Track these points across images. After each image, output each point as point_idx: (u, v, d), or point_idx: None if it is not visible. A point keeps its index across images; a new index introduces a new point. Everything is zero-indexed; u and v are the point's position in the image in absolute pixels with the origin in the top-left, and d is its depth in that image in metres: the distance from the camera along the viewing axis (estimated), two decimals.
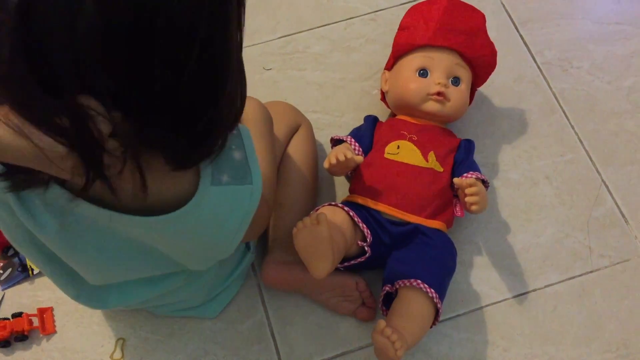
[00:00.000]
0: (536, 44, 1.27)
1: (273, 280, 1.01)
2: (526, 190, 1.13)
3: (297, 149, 1.03)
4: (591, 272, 1.07)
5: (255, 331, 1.01)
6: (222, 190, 0.65)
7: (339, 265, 0.95)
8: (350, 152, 0.98)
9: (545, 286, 1.06)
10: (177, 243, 0.71)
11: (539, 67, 1.25)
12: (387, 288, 0.94)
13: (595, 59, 1.26)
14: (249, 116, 0.85)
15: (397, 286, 0.93)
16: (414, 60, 1.06)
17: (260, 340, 1.01)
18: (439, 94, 1.03)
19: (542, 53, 1.26)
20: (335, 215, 0.94)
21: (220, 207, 0.67)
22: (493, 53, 1.10)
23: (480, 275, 1.06)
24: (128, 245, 0.72)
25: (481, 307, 1.04)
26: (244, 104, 0.61)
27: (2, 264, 1.05)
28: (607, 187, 1.14)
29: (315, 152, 1.09)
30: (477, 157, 1.09)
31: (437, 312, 0.92)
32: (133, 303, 0.92)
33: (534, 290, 1.05)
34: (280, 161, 1.02)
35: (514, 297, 1.05)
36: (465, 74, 1.07)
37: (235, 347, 1.00)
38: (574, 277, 1.06)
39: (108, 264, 0.77)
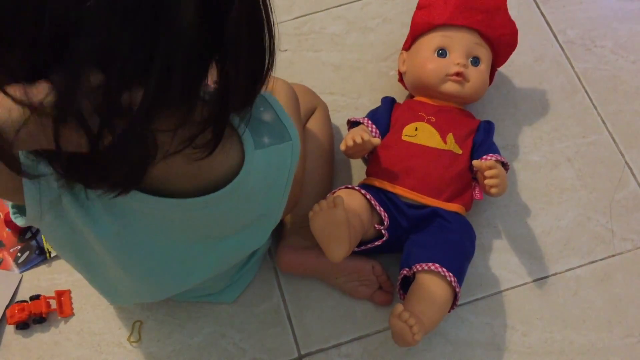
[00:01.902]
0: (558, 23, 1.24)
1: (289, 265, 1.00)
2: (547, 173, 1.11)
3: (313, 132, 1.02)
4: (613, 255, 1.05)
5: (272, 315, 1.01)
6: (266, 152, 0.66)
7: (355, 249, 0.94)
8: (367, 134, 0.96)
9: (566, 270, 1.04)
10: (235, 217, 0.72)
11: (561, 47, 1.22)
12: (404, 272, 0.93)
13: (620, 38, 1.23)
14: (277, 95, 0.85)
15: (415, 270, 0.92)
16: (432, 40, 1.04)
17: (277, 324, 1.01)
18: (457, 74, 1.01)
19: (565, 32, 1.23)
20: (352, 198, 0.93)
21: (268, 169, 0.68)
22: (513, 32, 1.07)
23: (499, 259, 1.04)
24: (185, 240, 0.73)
25: (500, 291, 1.02)
26: (274, 57, 0.61)
27: (19, 247, 1.06)
28: (630, 169, 1.11)
29: (332, 134, 1.08)
30: (497, 139, 1.07)
31: (455, 296, 0.91)
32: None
33: (555, 274, 1.04)
34: None
35: (534, 281, 1.03)
36: (485, 54, 1.04)
37: (251, 331, 1.00)
38: (595, 261, 1.05)
39: (165, 266, 0.77)
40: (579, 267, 1.04)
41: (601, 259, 1.05)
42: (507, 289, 1.03)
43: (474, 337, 0.99)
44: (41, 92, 0.45)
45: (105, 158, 0.51)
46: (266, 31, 0.56)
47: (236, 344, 0.99)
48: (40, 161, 0.54)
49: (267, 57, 0.57)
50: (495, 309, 1.01)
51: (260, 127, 0.67)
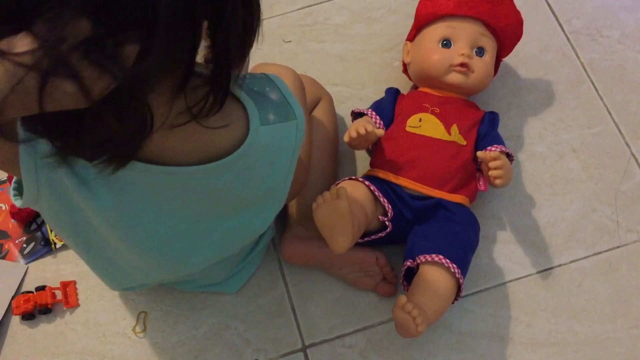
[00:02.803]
0: (564, 13, 1.23)
1: (293, 256, 1.01)
2: (552, 164, 1.11)
3: (317, 122, 1.02)
4: (618, 247, 1.05)
5: (276, 305, 1.01)
6: (271, 129, 0.67)
7: (359, 240, 0.94)
8: (371, 125, 0.96)
9: (571, 261, 1.04)
10: (236, 191, 0.72)
11: (566, 37, 1.21)
12: (408, 263, 0.93)
13: (626, 28, 1.22)
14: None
15: (419, 261, 0.91)
16: (437, 31, 1.03)
17: (281, 315, 1.01)
18: (462, 65, 1.00)
19: (570, 22, 1.22)
20: (355, 190, 0.93)
21: (272, 145, 0.68)
22: (519, 22, 1.06)
23: (503, 251, 1.04)
24: (188, 217, 0.73)
25: (504, 283, 1.02)
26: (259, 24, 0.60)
27: (25, 238, 1.07)
28: (636, 160, 1.11)
29: (336, 125, 1.07)
30: (502, 130, 1.07)
31: (459, 288, 0.91)
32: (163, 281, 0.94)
33: (559, 265, 1.03)
34: None
35: (538, 272, 1.03)
36: (489, 44, 1.04)
37: (255, 321, 1.00)
38: (600, 253, 1.04)
39: (167, 243, 0.77)
40: (583, 258, 1.04)
41: (606, 250, 1.04)
42: (511, 280, 1.02)
43: (478, 328, 0.99)
44: (24, 44, 0.42)
45: (101, 126, 0.50)
46: None
47: (240, 335, 1.00)
48: (39, 138, 0.54)
49: (255, 7, 0.56)
50: (500, 301, 1.01)
51: (266, 104, 0.68)
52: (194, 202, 0.71)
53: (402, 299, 0.85)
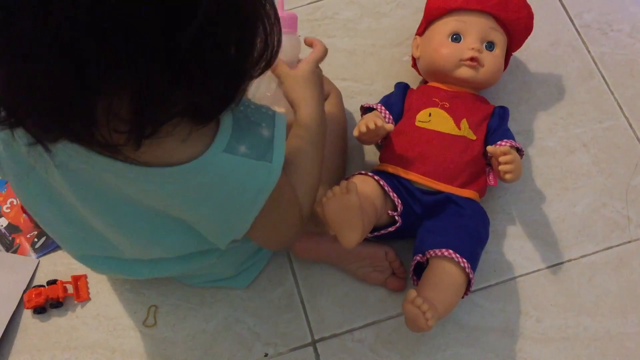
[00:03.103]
0: (574, 6, 1.22)
1: (302, 251, 1.01)
2: (562, 159, 1.10)
3: (326, 118, 1.02)
4: (629, 242, 1.04)
5: (285, 300, 1.02)
6: (235, 159, 0.64)
7: (369, 235, 0.94)
8: (381, 120, 0.96)
9: (581, 256, 1.03)
10: (187, 205, 0.69)
11: (577, 31, 1.20)
12: (418, 258, 0.93)
13: (637, 22, 1.21)
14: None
15: (428, 256, 0.91)
16: (447, 25, 1.03)
17: (290, 309, 1.01)
18: (472, 59, 1.00)
19: (581, 15, 1.22)
20: (365, 185, 0.93)
21: (232, 176, 0.65)
22: (529, 16, 1.06)
23: (513, 245, 1.04)
24: (138, 204, 0.71)
25: (514, 278, 1.02)
26: (273, 53, 0.59)
27: (36, 233, 1.07)
28: None
29: (345, 120, 1.07)
30: (511, 124, 1.06)
31: (469, 282, 0.91)
32: (166, 275, 0.94)
33: (569, 260, 1.03)
34: None
35: (548, 267, 1.03)
36: (500, 38, 1.03)
37: (265, 316, 1.01)
38: (611, 248, 1.04)
39: (128, 227, 0.76)
40: (594, 253, 1.03)
41: (616, 245, 1.04)
42: (521, 275, 1.02)
43: (488, 323, 0.99)
44: None
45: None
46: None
47: (250, 329, 1.00)
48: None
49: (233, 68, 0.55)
50: (509, 295, 1.01)
51: (247, 136, 0.65)
52: (143, 198, 0.69)
53: (412, 293, 0.85)
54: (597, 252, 1.04)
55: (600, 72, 1.17)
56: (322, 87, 0.88)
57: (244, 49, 0.55)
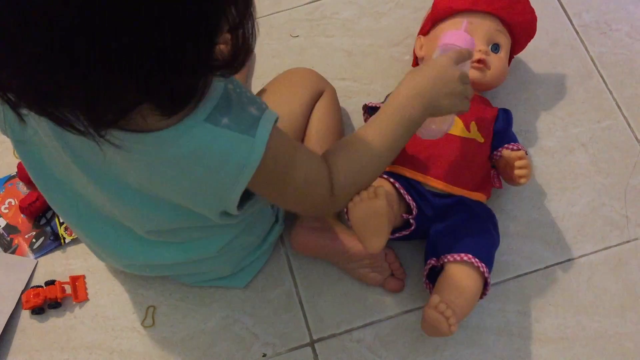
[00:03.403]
0: (573, 6, 1.22)
1: (302, 246, 1.01)
2: (561, 158, 1.10)
3: (320, 115, 1.01)
4: (628, 242, 1.04)
5: (284, 300, 1.02)
6: (215, 130, 0.63)
7: None
8: None
9: (580, 256, 1.03)
10: (169, 178, 0.68)
11: (576, 30, 1.20)
12: (432, 262, 0.93)
13: (635, 21, 1.21)
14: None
15: (445, 260, 0.91)
16: (454, 26, 1.03)
17: (289, 309, 1.01)
18: (479, 61, 0.99)
19: (580, 15, 1.21)
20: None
21: (211, 147, 0.64)
22: (533, 20, 1.06)
23: (512, 245, 1.04)
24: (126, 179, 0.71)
25: (513, 277, 1.02)
26: (248, 48, 0.58)
27: (34, 233, 1.07)
28: None
29: (340, 117, 1.07)
30: None
31: (485, 285, 0.91)
32: (161, 264, 0.93)
33: (568, 260, 1.03)
34: (304, 128, 1.01)
35: (547, 267, 1.03)
36: (505, 41, 1.03)
37: (264, 316, 1.01)
38: (609, 247, 1.04)
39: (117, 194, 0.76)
40: (592, 253, 1.03)
41: (615, 245, 1.04)
42: (520, 275, 1.02)
43: (487, 323, 0.99)
44: None
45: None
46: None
47: (249, 329, 1.00)
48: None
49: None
50: (508, 295, 1.01)
51: (232, 110, 0.64)
52: (131, 172, 0.69)
53: (436, 298, 0.84)
54: (595, 251, 1.03)
55: (599, 71, 1.17)
56: (432, 86, 0.81)
57: (202, 44, 0.54)
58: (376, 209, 0.80)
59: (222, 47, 0.58)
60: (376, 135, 0.79)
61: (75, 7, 0.46)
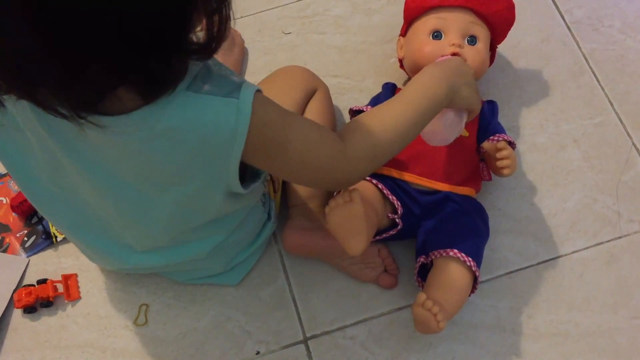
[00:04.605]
0: (565, 2, 1.22)
1: (294, 246, 1.00)
2: (553, 155, 1.10)
3: (313, 113, 1.01)
4: (620, 237, 1.04)
5: (277, 297, 1.01)
6: (198, 97, 0.62)
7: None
8: None
9: (572, 252, 1.03)
10: (162, 157, 0.67)
11: (567, 27, 1.20)
12: (421, 259, 0.93)
13: (627, 17, 1.21)
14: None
15: (433, 257, 0.91)
16: (427, 23, 1.02)
17: (282, 307, 1.01)
18: (454, 55, 0.99)
19: (571, 11, 1.22)
20: (364, 189, 0.92)
21: (198, 115, 0.63)
22: (509, 7, 1.04)
23: (504, 242, 1.04)
24: (120, 169, 0.70)
25: (505, 274, 1.02)
26: (223, 32, 0.58)
27: (26, 232, 1.07)
28: (637, 150, 1.10)
29: (333, 115, 1.07)
30: (503, 120, 1.06)
31: (475, 280, 0.91)
32: (154, 265, 0.92)
33: (560, 256, 1.03)
34: None
35: (539, 263, 1.03)
36: (482, 32, 1.02)
37: (256, 313, 1.00)
38: (602, 243, 1.04)
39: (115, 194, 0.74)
40: (584, 249, 1.04)
41: (607, 241, 1.04)
42: (512, 272, 1.02)
43: (479, 319, 0.99)
44: None
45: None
46: None
47: (242, 327, 1.00)
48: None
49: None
50: (501, 292, 1.01)
51: (211, 76, 0.63)
52: (123, 157, 0.68)
53: (422, 296, 0.84)
54: (587, 247, 1.04)
55: (590, 68, 1.17)
56: (454, 78, 0.83)
57: (177, 29, 0.55)
58: (352, 212, 0.81)
59: (198, 32, 0.58)
60: (400, 104, 0.78)
61: None
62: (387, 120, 0.77)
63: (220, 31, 0.58)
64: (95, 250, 0.91)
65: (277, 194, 1.01)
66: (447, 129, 0.87)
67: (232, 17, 0.59)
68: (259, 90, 0.66)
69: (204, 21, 0.57)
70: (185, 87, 0.61)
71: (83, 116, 0.57)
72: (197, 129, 0.64)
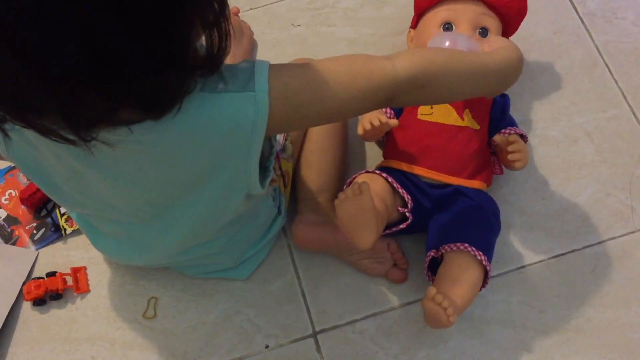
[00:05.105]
0: None
1: (303, 241, 1.00)
2: (565, 148, 1.09)
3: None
4: (633, 232, 1.03)
5: (286, 291, 1.01)
6: (215, 97, 0.62)
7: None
8: (384, 116, 0.95)
9: (584, 247, 1.02)
10: (188, 160, 0.67)
11: (580, 19, 1.19)
12: (432, 253, 0.92)
13: None
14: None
15: (443, 251, 0.90)
16: (437, 15, 1.02)
17: (291, 300, 1.00)
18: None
19: (585, 3, 1.20)
20: (373, 183, 0.91)
21: (217, 114, 0.63)
22: None
23: (516, 236, 1.03)
24: (146, 178, 0.70)
25: (517, 269, 1.01)
26: (224, 48, 0.57)
27: (35, 224, 1.07)
28: None
29: None
30: (515, 113, 1.06)
31: (486, 274, 0.90)
32: (166, 261, 0.93)
33: (572, 251, 1.02)
34: None
35: (551, 258, 1.02)
36: (493, 24, 1.01)
37: (265, 307, 1.00)
38: (614, 238, 1.03)
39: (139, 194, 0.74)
40: (597, 244, 1.03)
41: (620, 236, 1.03)
42: (524, 266, 1.01)
43: (490, 314, 0.98)
44: None
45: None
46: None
47: (251, 321, 0.99)
48: None
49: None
50: (512, 286, 1.00)
51: (222, 74, 0.62)
52: (146, 164, 0.68)
53: (432, 290, 0.84)
54: (600, 242, 1.03)
55: (604, 60, 1.15)
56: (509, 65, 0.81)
57: (171, 46, 0.53)
58: (362, 205, 0.81)
59: (199, 49, 0.57)
60: (472, 56, 0.77)
61: (36, 21, 0.46)
62: (440, 55, 0.73)
63: (221, 47, 0.57)
64: (105, 249, 0.91)
65: (287, 188, 1.01)
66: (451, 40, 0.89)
67: (232, 33, 0.58)
68: (270, 66, 0.65)
69: (203, 37, 0.56)
70: (199, 88, 0.61)
71: (90, 138, 0.56)
72: (217, 129, 0.64)
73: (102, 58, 0.49)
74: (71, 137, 0.55)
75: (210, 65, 0.58)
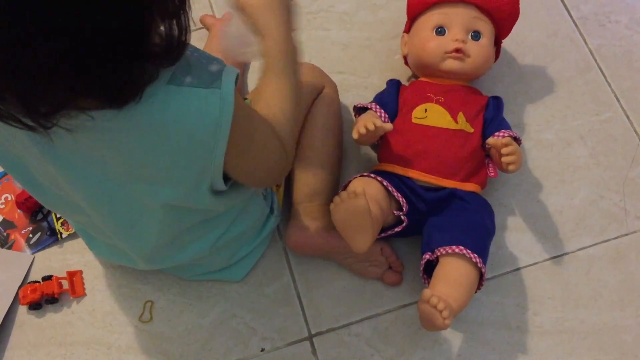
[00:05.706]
0: None
1: (298, 245, 1.00)
2: (559, 151, 1.10)
3: (320, 111, 1.01)
4: (626, 234, 1.04)
5: (282, 294, 1.01)
6: (181, 90, 0.62)
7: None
8: (379, 120, 0.95)
9: (578, 249, 1.03)
10: (149, 153, 0.66)
11: (574, 22, 1.20)
12: (427, 256, 0.92)
13: (635, 13, 1.20)
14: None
15: (439, 253, 0.91)
16: (430, 19, 1.02)
17: (287, 303, 1.01)
18: (456, 50, 0.99)
19: (578, 7, 1.21)
20: (369, 186, 0.92)
21: (184, 109, 0.63)
22: (514, 1, 1.04)
23: (510, 238, 1.04)
24: (111, 170, 0.69)
25: (512, 271, 1.02)
26: (183, 41, 0.58)
27: (31, 228, 1.07)
28: None
29: (340, 114, 1.07)
30: (509, 117, 1.06)
31: (481, 277, 0.91)
32: (157, 266, 0.93)
33: (567, 253, 1.03)
34: (303, 124, 1.00)
35: (546, 260, 1.02)
36: (485, 27, 1.02)
37: (261, 310, 1.00)
38: (608, 240, 1.03)
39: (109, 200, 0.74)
40: (591, 246, 1.03)
41: (614, 238, 1.04)
42: (519, 268, 1.02)
43: (485, 316, 0.99)
44: None
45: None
46: None
47: (246, 324, 1.00)
48: None
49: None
50: (506, 288, 1.01)
51: (192, 69, 0.63)
52: (108, 154, 0.67)
53: (427, 292, 0.84)
54: (594, 244, 1.03)
55: (597, 64, 1.16)
56: (287, 12, 0.81)
57: (129, 34, 0.53)
58: (357, 208, 0.81)
59: (158, 40, 0.57)
60: (279, 85, 0.79)
61: None
62: (285, 105, 0.78)
63: (180, 40, 0.58)
64: (104, 251, 0.91)
65: (280, 188, 1.01)
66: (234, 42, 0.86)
67: (190, 29, 0.58)
68: (238, 75, 0.66)
69: (162, 28, 0.56)
70: (165, 81, 0.61)
71: (50, 125, 0.56)
72: (182, 123, 0.64)
73: (60, 49, 0.50)
74: (31, 123, 0.56)
75: (169, 56, 0.58)
